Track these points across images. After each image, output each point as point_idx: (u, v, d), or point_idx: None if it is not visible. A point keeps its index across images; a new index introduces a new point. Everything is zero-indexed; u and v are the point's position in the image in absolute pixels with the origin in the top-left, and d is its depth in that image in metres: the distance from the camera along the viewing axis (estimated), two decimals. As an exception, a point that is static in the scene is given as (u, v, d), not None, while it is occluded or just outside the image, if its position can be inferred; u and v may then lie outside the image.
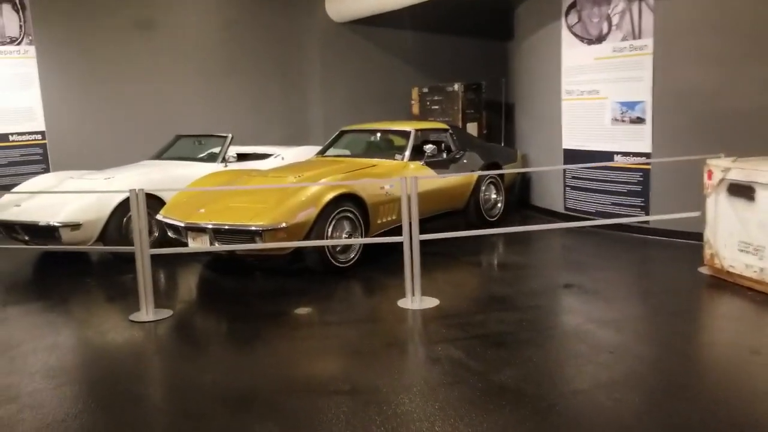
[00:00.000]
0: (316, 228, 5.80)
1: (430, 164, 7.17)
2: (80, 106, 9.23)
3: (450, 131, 7.87)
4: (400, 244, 5.05)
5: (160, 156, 8.36)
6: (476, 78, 10.24)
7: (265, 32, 10.42)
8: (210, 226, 5.74)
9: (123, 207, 6.63)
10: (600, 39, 7.35)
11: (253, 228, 5.57)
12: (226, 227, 5.67)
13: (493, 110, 10.78)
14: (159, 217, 6.36)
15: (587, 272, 5.89)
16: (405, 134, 7.39)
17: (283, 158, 8.47)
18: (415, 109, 10.36)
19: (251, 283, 5.95)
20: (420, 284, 5.07)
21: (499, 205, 8.08)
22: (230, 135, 8.13)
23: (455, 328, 4.51)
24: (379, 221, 6.49)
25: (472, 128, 9.79)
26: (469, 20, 11.61)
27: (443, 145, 7.74)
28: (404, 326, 4.71)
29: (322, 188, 5.90)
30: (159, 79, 9.69)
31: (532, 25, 8.59)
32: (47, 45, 8.94)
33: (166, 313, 5.09)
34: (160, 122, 9.54)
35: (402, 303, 5.09)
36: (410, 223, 5.03)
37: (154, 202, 6.92)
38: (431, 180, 7.09)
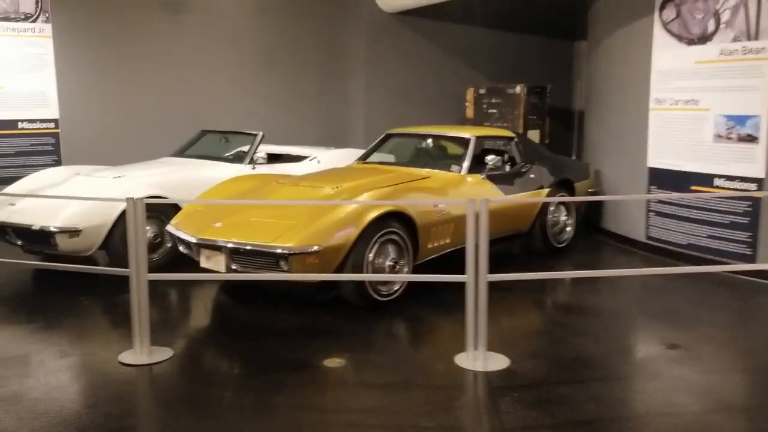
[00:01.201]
0: (354, 252, 4.74)
1: (492, 178, 6.05)
2: (99, 94, 8.30)
3: (516, 140, 6.72)
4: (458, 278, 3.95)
5: (182, 153, 7.40)
6: (539, 81, 9.05)
7: (306, 20, 9.37)
8: (226, 245, 4.71)
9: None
10: (704, 39, 6.13)
11: (279, 251, 4.52)
12: (246, 247, 4.63)
13: (556, 117, 9.60)
14: (169, 228, 5.35)
15: (691, 327, 4.70)
16: (463, 142, 6.27)
17: (319, 161, 7.45)
18: (470, 113, 9.24)
19: (273, 315, 4.90)
20: (485, 336, 3.96)
21: (569, 228, 6.92)
22: (260, 133, 7.13)
23: (536, 407, 3.39)
24: (430, 245, 5.39)
25: (533, 136, 8.63)
26: (533, 16, 10.44)
27: (506, 156, 6.60)
28: (466, 398, 3.61)
29: (365, 205, 4.83)
30: (186, 67, 8.71)
31: (615, 22, 7.39)
32: (65, 24, 8.03)
33: (164, 353, 4.06)
34: (186, 115, 8.58)
35: (461, 360, 3.99)
36: (477, 258, 3.92)
37: (169, 208, 5.97)
38: (493, 197, 5.97)
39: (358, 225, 4.73)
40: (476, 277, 3.94)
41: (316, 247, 4.55)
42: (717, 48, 6.02)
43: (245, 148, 7.14)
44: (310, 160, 7.51)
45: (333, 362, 3.98)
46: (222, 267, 4.83)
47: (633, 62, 7.01)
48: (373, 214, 4.79)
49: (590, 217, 7.86)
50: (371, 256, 4.83)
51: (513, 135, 6.78)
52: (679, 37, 6.37)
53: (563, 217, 6.84)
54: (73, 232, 5.53)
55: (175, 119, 8.53)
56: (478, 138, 6.28)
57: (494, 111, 8.97)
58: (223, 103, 8.90)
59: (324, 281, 4.83)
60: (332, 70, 9.60)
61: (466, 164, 5.98)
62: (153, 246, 6.00)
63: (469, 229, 3.92)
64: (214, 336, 4.60)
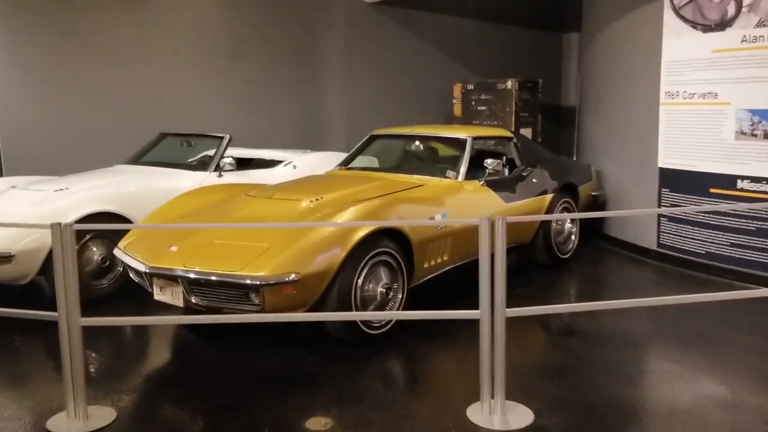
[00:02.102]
0: (341, 278, 3.99)
1: (492, 185, 5.33)
2: (44, 94, 7.38)
3: (515, 141, 6.01)
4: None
5: (137, 160, 6.56)
6: (528, 75, 8.35)
7: (278, 10, 8.53)
8: (183, 275, 3.91)
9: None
10: (723, 25, 5.48)
11: (248, 281, 3.74)
12: (208, 278, 3.84)
13: (547, 114, 8.93)
14: (117, 252, 4.54)
15: (738, 358, 4.03)
16: (459, 143, 5.54)
17: (295, 167, 6.68)
18: (457, 110, 8.53)
19: (243, 356, 4.12)
20: (503, 385, 3.23)
21: (573, 237, 6.24)
22: (227, 136, 6.32)
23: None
24: (426, 264, 4.67)
25: (524, 134, 7.94)
26: (520, 6, 9.75)
27: (505, 158, 5.89)
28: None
29: (351, 220, 4.08)
30: (143, 63, 7.82)
31: (617, 9, 6.72)
32: (2, 15, 7.12)
33: (104, 416, 3.27)
34: (143, 117, 7.71)
35: (475, 414, 3.26)
36: (492, 289, 3.19)
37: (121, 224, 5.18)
38: (493, 206, 5.27)
39: (345, 245, 3.99)
40: (492, 313, 3.21)
41: (293, 276, 3.78)
42: (738, 34, 5.37)
43: (211, 153, 6.34)
44: (285, 165, 6.73)
45: (317, 423, 3.22)
46: (179, 300, 4.04)
47: (639, 52, 6.35)
48: (362, 233, 4.05)
49: (591, 222, 7.18)
50: (360, 281, 4.09)
51: (511, 135, 6.07)
52: (693, 24, 5.71)
53: (568, 225, 6.16)
54: (4, 258, 4.70)
55: (131, 122, 7.66)
56: (475, 139, 5.56)
57: (484, 108, 8.27)
58: (186, 103, 8.04)
59: (306, 309, 4.05)
60: (308, 64, 8.78)
61: (463, 169, 5.26)
62: (102, 271, 5.21)
63: (483, 253, 3.18)
64: (169, 387, 3.77)
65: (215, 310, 4.00)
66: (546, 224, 5.83)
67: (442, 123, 8.98)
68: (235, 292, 3.85)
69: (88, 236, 5.16)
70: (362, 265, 4.09)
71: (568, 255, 6.17)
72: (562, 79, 10.24)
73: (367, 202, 4.33)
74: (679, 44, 5.85)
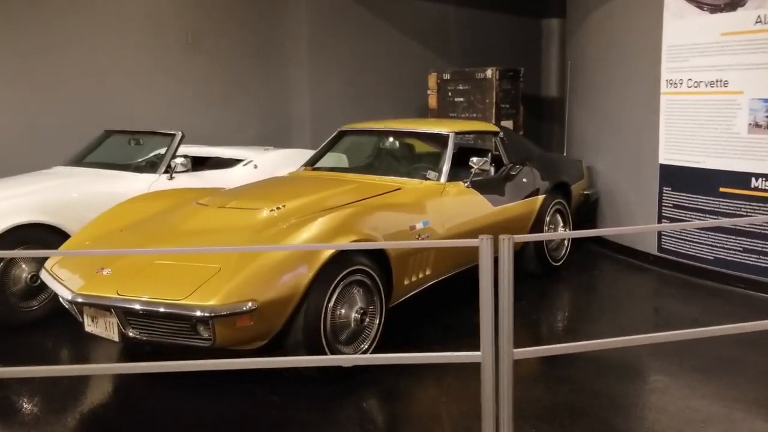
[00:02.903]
0: (308, 303, 3.34)
1: (477, 186, 4.72)
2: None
3: (501, 135, 5.40)
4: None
5: (79, 161, 5.80)
6: (507, 64, 7.74)
7: (237, -4, 7.80)
8: (117, 304, 3.22)
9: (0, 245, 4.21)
10: (733, 4, 4.92)
11: (197, 313, 3.06)
12: (145, 309, 3.15)
13: (528, 105, 8.35)
14: (43, 274, 3.81)
15: (759, 385, 3.48)
16: (440, 140, 4.90)
17: (256, 166, 6.01)
18: (433, 102, 7.89)
19: (191, 399, 3.44)
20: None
21: (566, 242, 5.66)
22: (179, 133, 5.62)
23: None
24: (407, 281, 4.05)
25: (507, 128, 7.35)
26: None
27: (490, 155, 5.27)
28: None
29: (320, 235, 3.43)
30: (89, 53, 6.99)
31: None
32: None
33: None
34: (88, 113, 6.91)
35: (476, 479, 2.64)
36: (495, 325, 2.57)
37: (54, 236, 4.49)
38: (480, 210, 4.66)
39: (312, 264, 3.34)
40: (496, 355, 2.59)
41: (250, 304, 3.12)
42: (752, 15, 4.81)
43: (162, 152, 5.62)
44: (245, 164, 6.05)
45: (281, 497, 2.57)
46: (114, 334, 3.35)
47: (636, 37, 5.77)
48: (332, 249, 3.40)
49: (581, 223, 6.60)
50: (331, 305, 3.44)
51: (497, 129, 5.45)
52: (699, 4, 5.14)
53: (561, 229, 5.57)
54: None
55: (72, 118, 6.84)
56: (458, 134, 4.93)
57: (461, 99, 7.65)
58: (136, 97, 7.25)
59: (263, 346, 3.38)
60: (270, 54, 8.04)
61: (445, 169, 4.62)
62: (32, 291, 4.49)
63: (484, 281, 2.55)
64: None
65: (157, 345, 3.32)
66: (537, 229, 5.25)
67: (417, 116, 8.35)
68: (180, 324, 3.17)
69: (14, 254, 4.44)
70: (333, 286, 3.44)
71: (561, 262, 5.59)
72: (542, 68, 9.67)
73: (337, 212, 3.67)
74: (683, 27, 5.28)
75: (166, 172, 5.37)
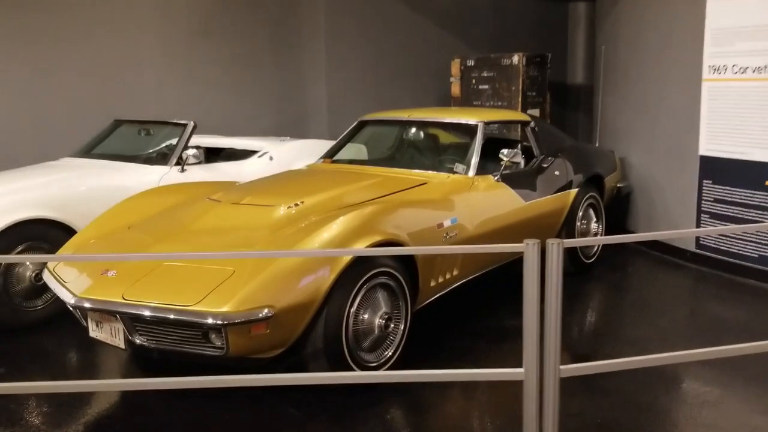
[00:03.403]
0: (328, 309, 3.08)
1: (508, 179, 4.42)
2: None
3: (532, 125, 5.09)
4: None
5: (87, 152, 5.57)
6: (530, 50, 7.39)
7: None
8: (123, 309, 2.97)
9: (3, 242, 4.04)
10: (784, -17, 4.57)
11: (208, 320, 2.80)
12: (152, 315, 2.90)
13: (553, 93, 8.01)
14: (45, 276, 3.58)
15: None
16: (468, 130, 4.60)
17: (271, 158, 5.76)
18: (456, 90, 7.57)
19: (202, 413, 3.19)
20: (556, 469, 2.34)
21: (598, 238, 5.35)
22: (191, 123, 5.36)
23: None
24: (433, 282, 3.77)
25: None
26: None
27: (519, 146, 4.97)
28: None
29: (341, 236, 3.16)
30: (98, 40, 6.76)
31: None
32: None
33: None
34: (97, 102, 6.69)
35: None
36: (540, 343, 2.29)
37: (60, 232, 4.27)
38: (511, 206, 4.37)
39: (334, 267, 3.07)
40: (540, 371, 2.31)
41: (266, 311, 2.85)
42: (805, -5, 4.46)
43: (173, 142, 5.37)
44: (260, 156, 5.79)
45: None
46: (120, 340, 3.11)
47: (676, 19, 5.43)
48: (356, 248, 3.13)
49: (614, 217, 6.27)
50: (353, 310, 3.17)
51: (528, 118, 5.14)
52: (746, -17, 4.79)
53: (594, 225, 5.26)
54: None
55: (81, 108, 6.63)
56: (487, 124, 4.62)
57: (486, 87, 7.32)
58: (146, 86, 7.01)
59: (280, 354, 3.12)
60: (285, 40, 7.75)
61: (474, 161, 4.32)
62: (36, 290, 4.26)
63: (529, 288, 2.27)
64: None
65: (166, 353, 3.07)
66: (569, 225, 4.95)
67: (438, 105, 8.04)
68: (190, 332, 2.92)
69: (20, 247, 4.23)
70: (356, 290, 3.17)
71: (593, 259, 5.29)
72: (568, 54, 9.30)
73: (359, 210, 3.38)
74: (728, 8, 4.92)
75: (177, 164, 5.13)
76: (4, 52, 6.31)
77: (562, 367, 2.32)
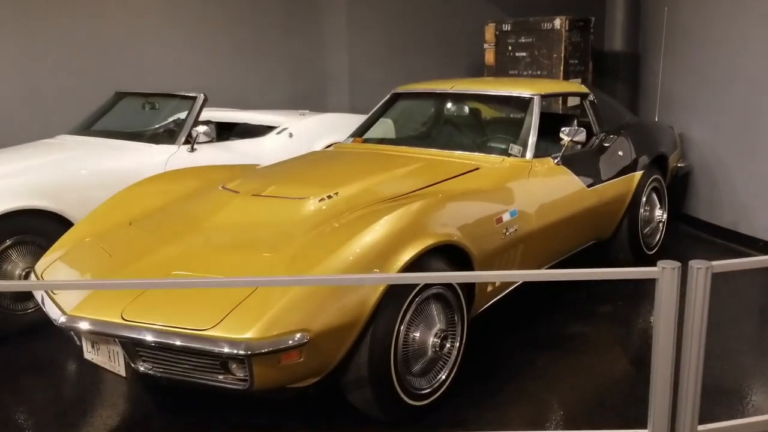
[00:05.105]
0: (374, 328, 2.51)
1: (568, 162, 3.80)
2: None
3: (591, 98, 4.45)
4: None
5: (87, 129, 5.01)
6: (568, 12, 6.69)
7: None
8: (123, 333, 2.40)
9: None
10: None
11: (228, 349, 2.24)
12: (157, 341, 2.34)
13: (600, 61, 7.34)
14: (32, 278, 3.01)
15: None
16: (522, 104, 3.98)
17: (291, 134, 5.21)
18: (490, 58, 6.89)
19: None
20: None
21: (662, 226, 4.75)
22: (202, 95, 4.78)
23: None
24: (490, 287, 3.19)
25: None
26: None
27: (575, 122, 4.35)
28: None
29: (386, 240, 2.57)
30: (98, 9, 6.12)
31: None
32: None
33: None
34: (98, 73, 6.08)
35: None
36: (674, 394, 1.70)
37: (55, 226, 3.70)
38: (573, 193, 3.77)
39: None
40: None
41: (299, 336, 2.29)
42: None
43: (182, 116, 4.79)
44: (278, 132, 5.21)
45: None
46: (120, 366, 2.55)
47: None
48: (407, 255, 2.57)
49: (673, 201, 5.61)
50: (402, 327, 2.60)
51: (587, 90, 4.49)
52: None
53: (658, 212, 4.66)
54: None
55: (78, 80, 6.03)
56: (544, 97, 3.99)
57: (523, 54, 6.65)
58: (150, 56, 6.39)
59: (315, 382, 2.56)
60: (303, 4, 7.08)
61: (531, 141, 3.71)
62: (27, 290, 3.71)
63: (662, 327, 1.68)
64: None
65: (176, 383, 2.51)
66: (633, 212, 4.34)
67: (469, 74, 7.39)
68: (206, 360, 2.35)
69: (9, 242, 3.70)
70: (406, 305, 2.60)
71: (655, 250, 4.69)
72: (606, 18, 8.56)
73: (404, 205, 2.78)
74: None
75: (186, 142, 4.57)
76: (9, 25, 5.71)
77: (701, 427, 1.74)
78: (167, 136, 4.68)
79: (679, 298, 1.62)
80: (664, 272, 1.62)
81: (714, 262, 1.65)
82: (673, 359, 1.69)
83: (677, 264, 1.63)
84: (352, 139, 4.26)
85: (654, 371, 1.70)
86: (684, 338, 1.69)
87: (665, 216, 4.71)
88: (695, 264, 1.63)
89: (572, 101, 5.29)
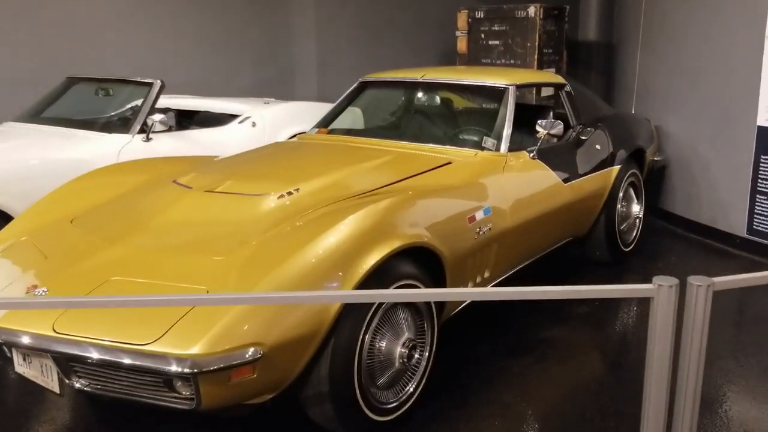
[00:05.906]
0: (336, 338, 2.30)
1: (544, 156, 3.62)
2: None
3: (568, 89, 4.27)
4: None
5: (36, 116, 4.72)
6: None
7: None
8: (52, 348, 2.15)
9: None
10: None
11: (172, 367, 2.00)
12: (93, 357, 2.09)
13: (574, 50, 7.19)
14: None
15: None
16: (496, 95, 3.77)
17: (254, 123, 4.99)
18: (462, 46, 6.69)
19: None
20: None
21: (638, 222, 4.60)
22: (159, 81, 4.52)
23: None
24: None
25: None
26: None
27: (552, 114, 4.16)
28: None
29: (351, 241, 2.35)
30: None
31: None
32: None
33: None
34: (49, 59, 5.74)
35: None
36: (669, 411, 1.51)
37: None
38: (549, 188, 3.59)
39: (345, 284, 2.29)
40: (665, 468, 1.55)
41: (252, 351, 2.06)
42: None
43: (138, 103, 4.50)
44: (240, 122, 4.98)
45: None
46: (53, 382, 2.30)
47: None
48: (373, 259, 2.35)
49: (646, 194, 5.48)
50: (367, 338, 2.39)
51: (563, 81, 4.31)
52: None
53: (635, 208, 4.51)
54: None
55: (32, 64, 5.70)
56: (519, 87, 3.78)
57: (497, 42, 6.46)
58: (109, 39, 6.06)
59: (278, 394, 2.33)
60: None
61: (506, 134, 3.51)
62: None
63: (656, 350, 1.48)
64: None
65: (117, 401, 2.27)
66: (610, 208, 4.18)
67: (441, 62, 7.19)
68: (147, 378, 2.11)
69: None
70: (371, 312, 2.39)
71: (632, 246, 4.54)
72: (580, 7, 8.41)
73: (372, 203, 2.56)
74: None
75: (141, 131, 4.32)
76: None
77: (696, 460, 1.56)
78: (121, 124, 4.41)
79: (676, 318, 1.43)
80: (660, 290, 1.43)
81: (715, 279, 1.46)
82: (669, 385, 1.51)
83: (675, 281, 1.43)
84: (317, 129, 4.02)
85: (646, 398, 1.51)
86: (680, 363, 1.50)
87: (642, 212, 4.56)
88: (695, 281, 1.44)
89: (546, 91, 5.12)
